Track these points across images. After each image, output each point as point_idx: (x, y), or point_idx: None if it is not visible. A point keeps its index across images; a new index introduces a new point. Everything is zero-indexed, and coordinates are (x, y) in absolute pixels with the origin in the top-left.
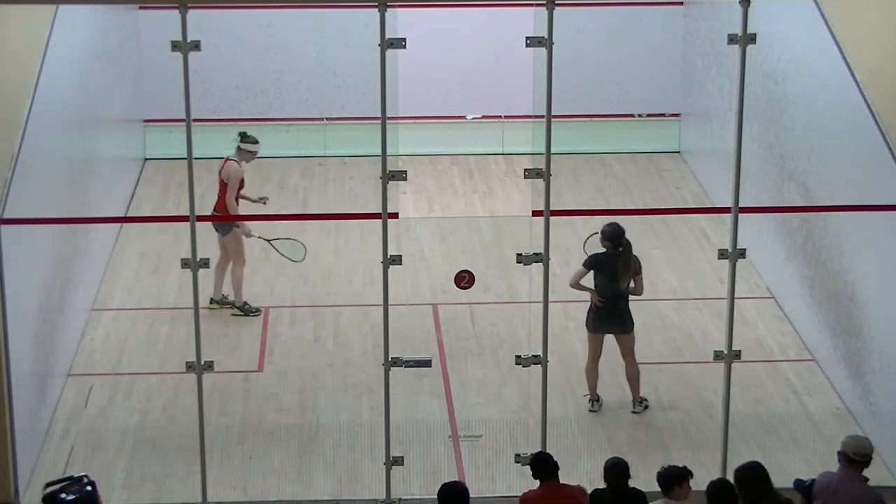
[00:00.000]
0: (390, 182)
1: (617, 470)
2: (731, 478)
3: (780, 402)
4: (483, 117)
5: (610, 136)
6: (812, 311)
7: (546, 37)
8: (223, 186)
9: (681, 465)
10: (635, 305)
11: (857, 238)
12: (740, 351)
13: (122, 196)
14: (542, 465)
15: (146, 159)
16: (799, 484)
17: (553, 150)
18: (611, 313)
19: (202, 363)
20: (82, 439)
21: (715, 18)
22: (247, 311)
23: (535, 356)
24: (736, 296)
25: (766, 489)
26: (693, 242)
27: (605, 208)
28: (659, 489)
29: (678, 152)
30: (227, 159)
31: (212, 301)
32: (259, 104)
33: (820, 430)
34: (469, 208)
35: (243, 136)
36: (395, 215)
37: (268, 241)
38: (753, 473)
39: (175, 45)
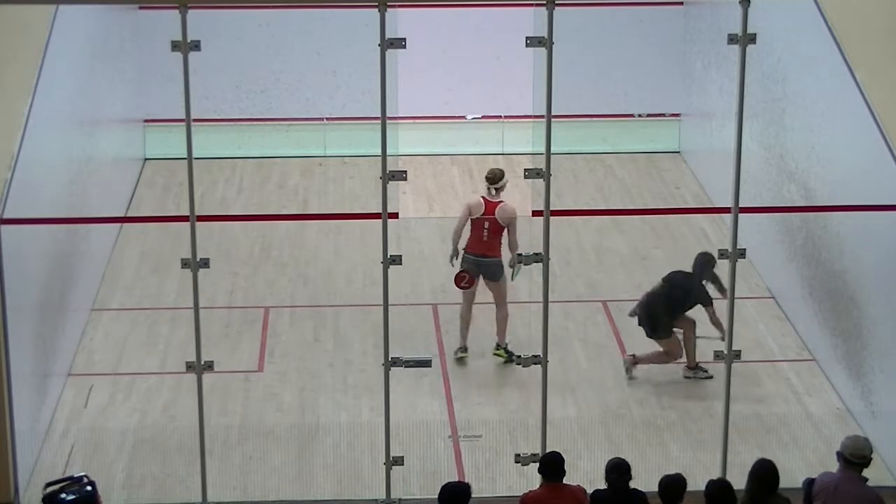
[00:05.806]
0: (390, 182)
1: (618, 470)
2: (731, 478)
3: (780, 402)
4: (483, 117)
5: (610, 136)
6: (812, 311)
7: (546, 37)
8: (498, 229)
9: (679, 475)
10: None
11: (857, 238)
12: (740, 351)
13: (122, 196)
14: (553, 467)
15: (146, 159)
16: (807, 484)
17: (553, 150)
18: None
19: (202, 363)
20: (82, 439)
21: (715, 18)
22: (508, 354)
23: (535, 356)
24: (736, 296)
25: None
26: (693, 242)
27: (605, 208)
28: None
29: (678, 152)
30: (491, 201)
31: (498, 347)
32: (259, 104)
33: (820, 430)
34: None
35: (501, 176)
36: (395, 215)
37: None
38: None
39: (175, 45)
